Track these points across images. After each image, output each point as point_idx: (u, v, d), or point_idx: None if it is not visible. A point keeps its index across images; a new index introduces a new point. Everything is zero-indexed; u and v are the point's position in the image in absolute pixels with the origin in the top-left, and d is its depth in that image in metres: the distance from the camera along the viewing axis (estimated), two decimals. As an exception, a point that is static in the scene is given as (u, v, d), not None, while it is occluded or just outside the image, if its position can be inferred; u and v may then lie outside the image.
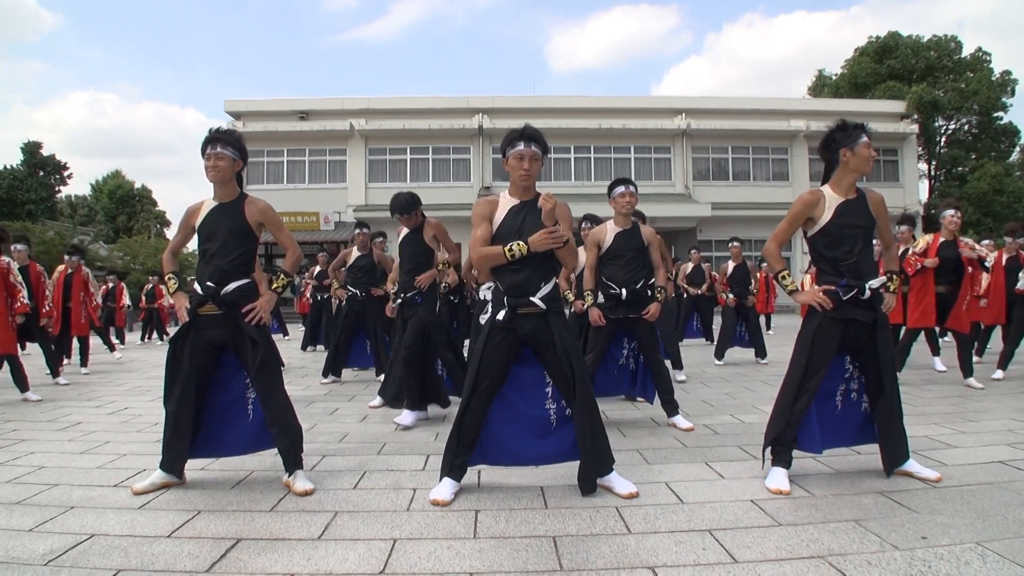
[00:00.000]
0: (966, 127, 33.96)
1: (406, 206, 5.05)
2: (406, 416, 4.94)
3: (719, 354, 8.96)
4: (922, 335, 7.35)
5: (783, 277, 3.47)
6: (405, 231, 5.19)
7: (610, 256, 4.89)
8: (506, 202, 3.33)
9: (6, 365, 6.42)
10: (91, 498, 3.30)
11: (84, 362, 9.25)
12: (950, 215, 6.46)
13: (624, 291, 4.76)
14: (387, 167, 26.05)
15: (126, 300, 13.65)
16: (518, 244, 3.15)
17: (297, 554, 2.57)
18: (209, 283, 3.39)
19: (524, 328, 3.24)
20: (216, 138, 3.46)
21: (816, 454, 3.58)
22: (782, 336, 13.12)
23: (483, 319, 3.39)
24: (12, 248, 7.39)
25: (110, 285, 13.42)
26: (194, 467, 3.62)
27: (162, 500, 3.25)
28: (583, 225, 6.20)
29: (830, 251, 3.36)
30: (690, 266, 11.09)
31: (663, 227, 22.02)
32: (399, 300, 5.23)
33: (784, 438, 3.37)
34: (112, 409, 5.96)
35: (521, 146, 3.23)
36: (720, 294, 9.34)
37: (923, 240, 6.69)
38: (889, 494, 3.16)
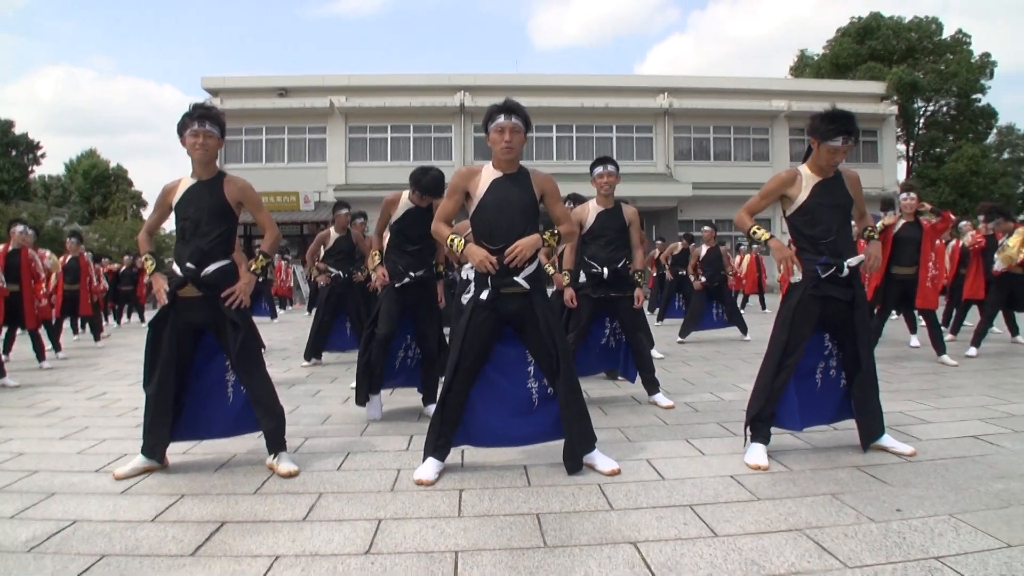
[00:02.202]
0: (945, 109, 34.22)
1: (438, 186, 4.48)
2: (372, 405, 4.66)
3: (684, 333, 9.06)
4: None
5: (754, 232, 3.50)
6: (407, 205, 4.61)
7: (592, 236, 4.89)
8: (489, 174, 3.31)
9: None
10: (72, 484, 3.28)
11: (96, 337, 10.36)
12: (903, 198, 6.66)
13: (606, 270, 4.77)
14: (367, 145, 25.77)
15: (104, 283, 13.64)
16: (460, 242, 3.18)
17: (282, 536, 2.58)
18: (189, 264, 3.35)
19: (507, 308, 3.25)
20: (204, 115, 3.38)
21: (796, 431, 3.64)
22: (773, 315, 13.24)
23: (465, 299, 3.39)
24: (13, 229, 7.30)
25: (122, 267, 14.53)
26: (176, 451, 3.61)
27: (144, 485, 3.24)
28: (567, 204, 6.19)
29: (808, 229, 3.40)
30: (679, 246, 11.16)
31: (644, 207, 22.02)
32: (407, 280, 4.52)
33: (763, 414, 3.42)
34: (91, 394, 5.91)
35: (501, 119, 3.20)
36: (692, 276, 9.47)
37: (883, 220, 6.77)
38: (865, 468, 3.23)
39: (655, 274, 11.85)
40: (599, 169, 4.83)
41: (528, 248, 3.15)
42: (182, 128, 3.38)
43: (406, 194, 4.62)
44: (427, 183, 4.46)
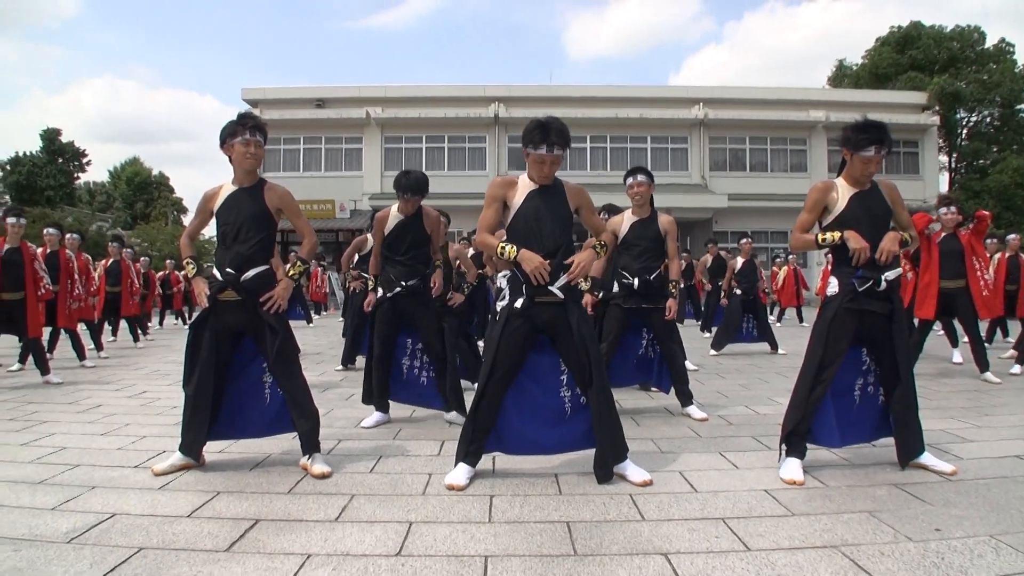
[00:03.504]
0: (988, 119, 33.43)
1: (421, 186, 4.60)
2: (373, 417, 4.66)
3: (717, 345, 8.97)
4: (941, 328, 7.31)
5: (823, 238, 3.34)
6: (397, 217, 4.65)
7: (625, 246, 4.88)
8: (525, 185, 3.32)
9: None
10: (112, 478, 3.36)
11: (136, 338, 10.68)
12: (942, 212, 6.55)
13: (636, 281, 4.74)
14: (403, 155, 26.07)
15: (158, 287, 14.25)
16: (511, 249, 3.16)
17: (315, 535, 2.61)
18: (229, 269, 3.42)
19: (541, 316, 3.25)
20: (255, 125, 3.45)
21: (835, 448, 3.57)
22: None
23: (500, 306, 3.40)
24: (44, 232, 7.59)
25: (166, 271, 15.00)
26: (213, 449, 3.67)
27: (182, 481, 3.31)
28: (602, 216, 6.18)
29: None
30: (709, 259, 11.06)
31: (679, 218, 21.77)
32: (398, 289, 4.53)
33: (799, 429, 3.37)
34: (131, 392, 6.04)
35: (543, 150, 3.16)
36: (724, 290, 9.42)
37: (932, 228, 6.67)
38: (904, 486, 3.16)
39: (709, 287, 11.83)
40: (631, 179, 4.83)
41: (587, 262, 3.19)
42: (230, 135, 3.43)
43: (394, 207, 4.68)
44: (408, 183, 4.52)
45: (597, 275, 4.84)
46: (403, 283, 4.54)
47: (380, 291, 4.66)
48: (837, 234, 3.30)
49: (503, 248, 3.19)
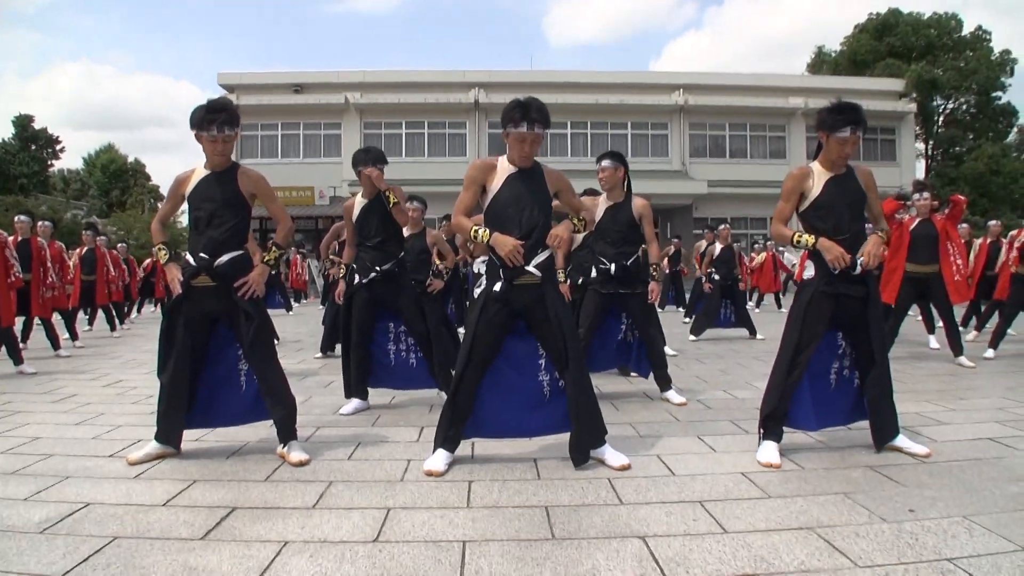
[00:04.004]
0: (964, 107, 33.83)
1: (381, 155, 4.56)
2: (351, 404, 4.63)
3: (696, 330, 9.02)
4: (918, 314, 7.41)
5: (798, 239, 3.37)
6: (362, 202, 4.62)
7: (600, 231, 4.86)
8: (504, 168, 3.29)
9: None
10: (86, 468, 3.31)
11: (113, 327, 10.47)
12: (916, 198, 6.60)
13: (613, 266, 4.74)
14: (382, 141, 25.76)
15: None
16: (485, 232, 3.16)
17: (292, 522, 2.60)
18: (202, 254, 3.37)
19: (519, 300, 3.24)
20: (221, 120, 3.31)
21: (811, 431, 3.61)
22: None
23: (478, 292, 3.38)
24: (15, 219, 7.44)
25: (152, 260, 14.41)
26: (189, 438, 3.62)
27: (157, 470, 3.27)
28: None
29: (821, 225, 3.35)
30: (703, 244, 11.03)
31: (659, 204, 21.94)
32: (373, 275, 4.50)
33: (776, 412, 3.40)
34: (107, 381, 5.97)
35: (524, 128, 3.15)
36: (704, 275, 9.48)
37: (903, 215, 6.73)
38: (878, 468, 3.20)
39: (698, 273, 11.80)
40: (597, 165, 4.83)
41: (565, 233, 3.19)
42: (198, 127, 3.34)
43: (359, 195, 4.66)
44: (370, 156, 4.51)
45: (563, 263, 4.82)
46: (377, 268, 4.52)
47: (356, 278, 4.61)
48: (812, 239, 3.32)
49: (476, 231, 3.18)
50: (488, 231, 3.17)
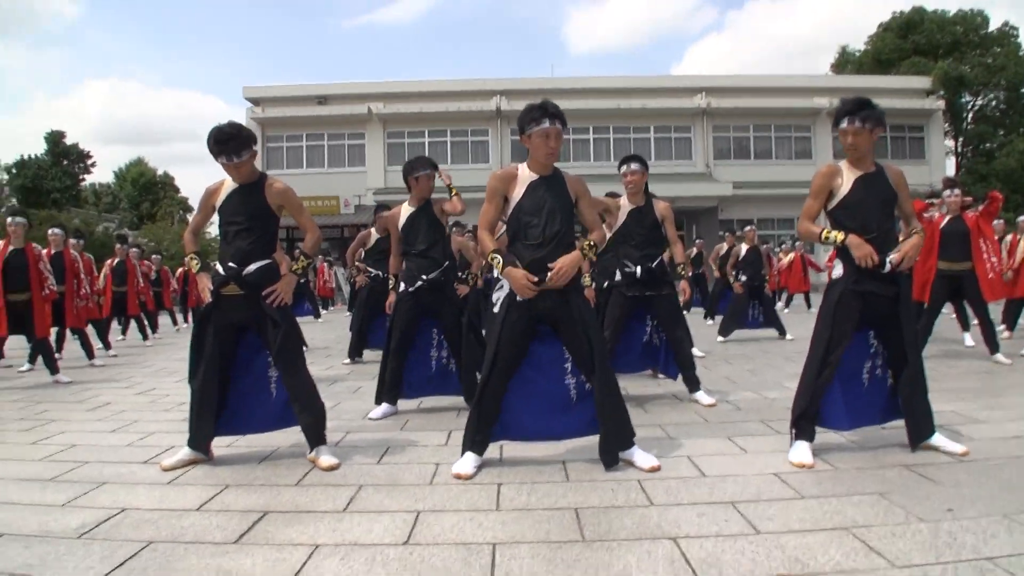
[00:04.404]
0: (993, 103, 33.11)
1: (429, 160, 4.78)
2: (380, 409, 4.65)
3: (724, 331, 8.94)
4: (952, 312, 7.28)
5: (826, 236, 3.33)
6: (408, 210, 4.71)
7: (623, 234, 4.87)
8: (525, 176, 3.31)
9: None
10: (121, 474, 3.36)
11: (145, 336, 10.69)
12: (946, 195, 6.52)
13: (639, 269, 4.73)
14: (406, 150, 25.92)
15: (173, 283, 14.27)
16: (498, 261, 3.20)
17: (323, 526, 2.61)
18: (231, 264, 3.42)
19: (541, 305, 3.23)
20: (229, 149, 3.32)
21: (844, 431, 3.55)
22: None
23: (496, 296, 3.39)
24: (49, 232, 7.64)
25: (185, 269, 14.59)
26: (220, 444, 3.67)
27: (190, 476, 3.32)
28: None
29: (850, 224, 3.30)
30: (724, 246, 10.98)
31: (684, 207, 21.83)
32: (420, 283, 4.53)
33: (808, 412, 3.35)
34: (140, 389, 6.06)
35: (547, 124, 3.18)
36: (731, 277, 9.39)
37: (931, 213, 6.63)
38: (914, 467, 3.14)
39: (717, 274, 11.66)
40: (624, 168, 4.83)
41: (571, 267, 3.16)
42: (215, 156, 3.38)
43: (404, 204, 4.73)
44: (416, 161, 4.73)
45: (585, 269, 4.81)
46: (424, 276, 4.55)
47: (402, 286, 4.65)
48: (841, 235, 3.28)
49: (492, 259, 3.23)
50: (501, 262, 3.20)
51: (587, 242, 3.27)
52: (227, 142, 3.34)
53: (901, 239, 3.44)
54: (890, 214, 3.38)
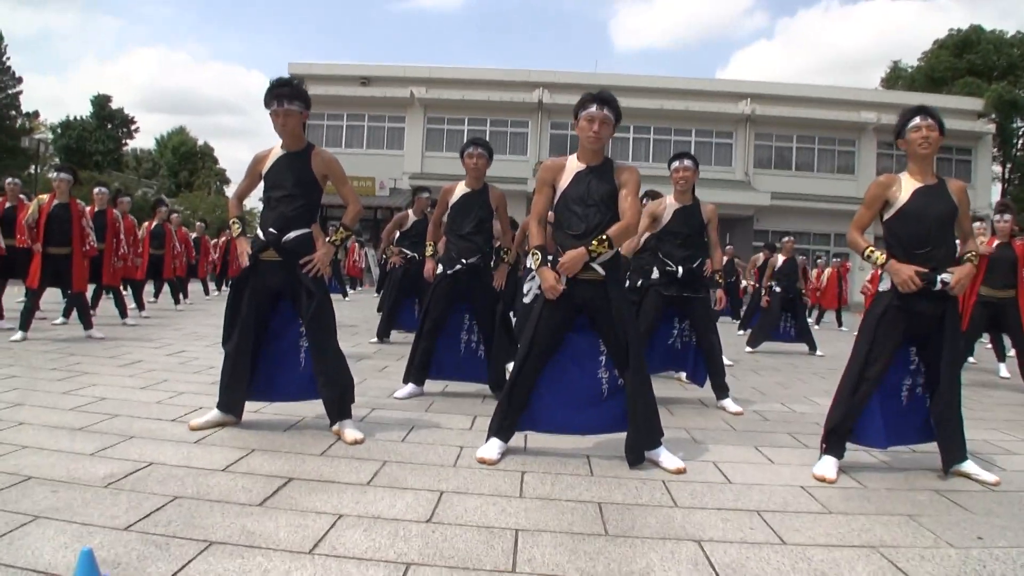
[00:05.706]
0: (1046, 130, 32.32)
1: (484, 144, 4.76)
2: (406, 389, 4.67)
3: (753, 343, 8.83)
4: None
5: (870, 253, 3.27)
6: (464, 190, 4.69)
7: (667, 233, 4.80)
8: (573, 166, 3.28)
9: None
10: (150, 430, 3.42)
11: (176, 300, 10.99)
12: (997, 219, 6.41)
13: (680, 269, 4.67)
14: (444, 136, 26.07)
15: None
16: (538, 257, 3.22)
17: (346, 497, 2.63)
18: (271, 229, 3.44)
19: (581, 295, 3.21)
20: (281, 94, 3.40)
21: (880, 449, 3.47)
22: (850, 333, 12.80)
23: (527, 287, 3.38)
24: (94, 190, 7.80)
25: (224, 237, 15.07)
26: (248, 409, 3.69)
27: (217, 437, 3.36)
28: (643, 201, 6.08)
29: (904, 235, 3.21)
30: (760, 257, 10.85)
31: (720, 214, 21.50)
32: (459, 267, 4.53)
33: (841, 427, 3.28)
34: (170, 351, 6.16)
35: (593, 108, 3.16)
36: (764, 288, 9.28)
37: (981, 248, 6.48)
38: (945, 493, 3.07)
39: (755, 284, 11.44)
40: (676, 163, 4.76)
41: (573, 264, 3.11)
42: (266, 105, 3.43)
43: (462, 183, 4.70)
44: (475, 139, 4.75)
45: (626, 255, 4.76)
46: (464, 260, 4.54)
47: (440, 266, 4.67)
48: (883, 258, 3.22)
49: (536, 254, 3.24)
50: (539, 259, 3.21)
51: (597, 239, 3.11)
52: (283, 86, 3.41)
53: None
54: (949, 229, 3.25)
